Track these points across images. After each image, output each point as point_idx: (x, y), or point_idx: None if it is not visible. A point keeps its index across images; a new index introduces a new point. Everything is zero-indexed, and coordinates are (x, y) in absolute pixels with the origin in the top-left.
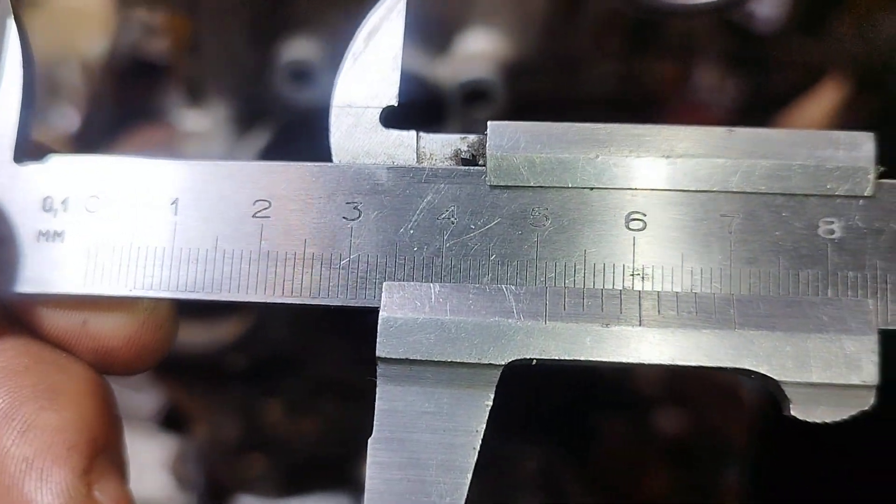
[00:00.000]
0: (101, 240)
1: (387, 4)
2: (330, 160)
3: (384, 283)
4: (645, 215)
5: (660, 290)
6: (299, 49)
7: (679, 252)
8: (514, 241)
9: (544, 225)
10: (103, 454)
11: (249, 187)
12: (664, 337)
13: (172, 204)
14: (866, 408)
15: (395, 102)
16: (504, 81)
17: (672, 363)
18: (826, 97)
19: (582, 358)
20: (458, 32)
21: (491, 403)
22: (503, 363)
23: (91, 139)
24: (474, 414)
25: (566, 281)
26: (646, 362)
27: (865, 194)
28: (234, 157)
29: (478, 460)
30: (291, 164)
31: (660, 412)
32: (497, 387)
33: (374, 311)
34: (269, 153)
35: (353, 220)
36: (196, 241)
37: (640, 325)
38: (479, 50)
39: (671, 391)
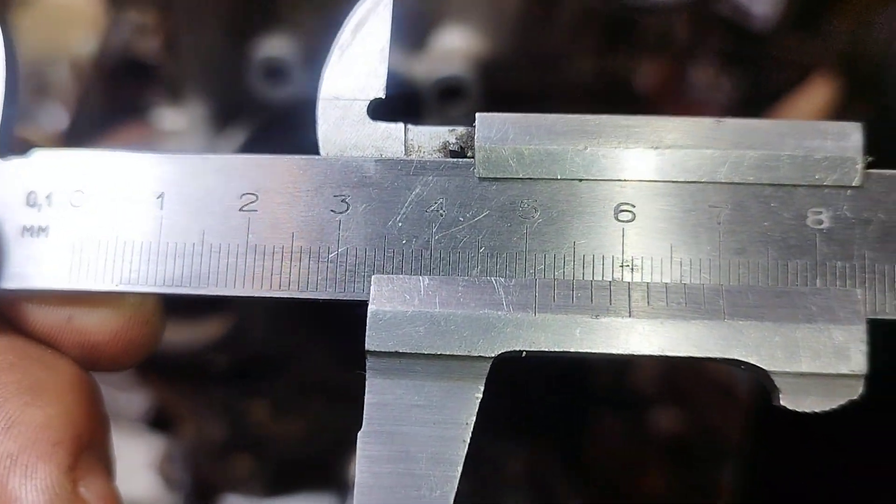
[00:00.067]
0: (87, 234)
1: None
2: (308, 154)
3: (373, 276)
4: (634, 206)
5: (649, 281)
6: (274, 46)
7: (668, 243)
8: (503, 233)
9: (533, 217)
10: (89, 451)
11: (236, 181)
12: (654, 328)
13: (158, 198)
14: (855, 397)
15: (382, 95)
16: (479, 78)
17: (662, 354)
18: (816, 93)
19: (572, 349)
20: (433, 29)
21: (481, 396)
22: (493, 355)
23: (80, 137)
24: (464, 407)
25: (555, 273)
26: (635, 353)
27: (853, 184)
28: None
29: (467, 456)
30: (279, 157)
31: (654, 410)
32: (488, 385)
33: (362, 305)
34: (248, 149)
35: (341, 213)
36: (182, 235)
37: (629, 316)
38: (454, 47)
39: (666, 389)
